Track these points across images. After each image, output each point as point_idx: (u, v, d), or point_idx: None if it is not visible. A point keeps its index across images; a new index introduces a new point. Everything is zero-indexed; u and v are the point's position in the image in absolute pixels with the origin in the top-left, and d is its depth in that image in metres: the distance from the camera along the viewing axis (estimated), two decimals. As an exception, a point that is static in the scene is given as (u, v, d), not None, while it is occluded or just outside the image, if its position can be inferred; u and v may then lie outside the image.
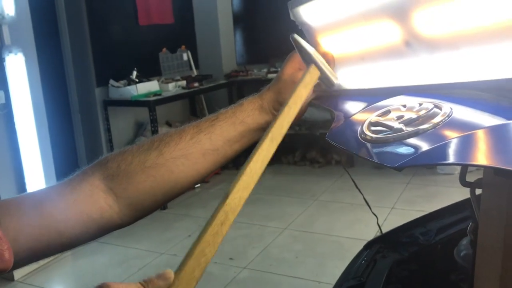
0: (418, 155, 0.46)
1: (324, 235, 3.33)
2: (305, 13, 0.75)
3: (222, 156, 0.77)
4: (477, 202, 0.59)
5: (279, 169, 4.82)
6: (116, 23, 4.20)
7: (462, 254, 1.08)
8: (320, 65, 0.71)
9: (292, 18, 0.80)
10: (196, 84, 4.42)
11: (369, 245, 1.40)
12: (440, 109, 0.52)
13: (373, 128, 0.54)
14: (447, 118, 0.50)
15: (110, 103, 4.09)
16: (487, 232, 0.58)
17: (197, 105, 5.11)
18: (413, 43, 0.61)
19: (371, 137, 0.52)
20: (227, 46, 5.20)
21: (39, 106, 3.20)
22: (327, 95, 0.81)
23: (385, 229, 1.40)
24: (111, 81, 4.05)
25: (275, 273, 2.89)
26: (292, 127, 0.77)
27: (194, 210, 3.86)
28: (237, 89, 5.05)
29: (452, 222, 1.36)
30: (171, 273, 0.49)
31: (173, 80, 4.45)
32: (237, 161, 4.98)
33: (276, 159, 4.92)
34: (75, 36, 3.92)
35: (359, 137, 0.54)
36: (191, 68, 4.88)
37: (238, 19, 5.26)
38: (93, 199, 0.69)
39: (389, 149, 0.49)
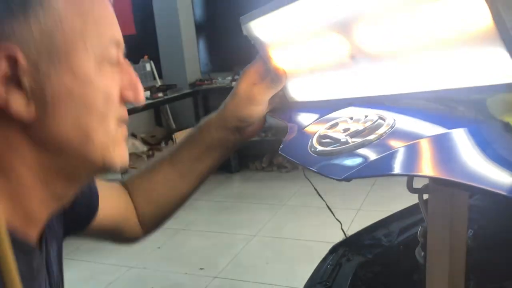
0: (362, 167, 0.48)
1: (293, 240, 3.36)
2: (256, 29, 0.77)
3: (197, 173, 0.83)
4: (426, 207, 0.62)
5: (246, 176, 4.84)
6: (76, 35, 4.13)
7: (423, 253, 1.12)
8: None
9: (244, 33, 0.82)
10: (160, 94, 4.40)
11: (334, 249, 1.43)
12: (384, 120, 0.54)
13: (322, 140, 0.56)
14: (390, 129, 0.53)
15: (72, 116, 4.01)
16: (435, 235, 0.61)
17: (162, 115, 5.08)
18: (358, 57, 0.64)
19: (320, 150, 0.54)
20: (191, 55, 5.19)
21: None
22: (282, 107, 0.83)
23: (353, 230, 1.43)
24: (73, 94, 3.98)
25: (247, 281, 2.89)
26: (258, 133, 0.81)
27: (162, 221, 3.81)
28: (202, 98, 5.05)
29: (413, 222, 1.40)
30: None
31: (137, 91, 4.41)
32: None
33: (244, 166, 4.94)
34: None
35: (309, 150, 0.56)
36: (154, 78, 4.85)
37: (201, 28, 5.27)
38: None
39: (335, 161, 0.51)
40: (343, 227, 1.51)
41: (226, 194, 4.43)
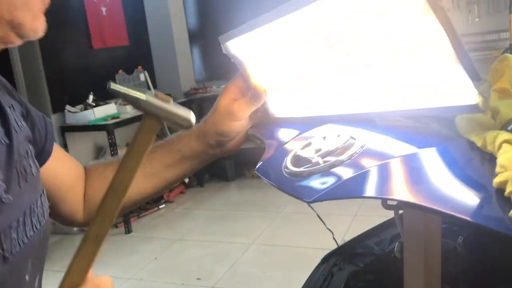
0: (330, 189, 0.48)
1: (290, 248, 3.35)
2: (234, 48, 0.78)
3: (163, 179, 0.84)
4: (402, 223, 0.63)
5: (242, 183, 4.84)
6: (69, 48, 4.15)
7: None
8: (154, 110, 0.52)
9: (224, 51, 0.83)
10: (155, 104, 4.40)
11: (326, 259, 1.43)
12: (355, 140, 0.55)
13: (295, 161, 0.57)
14: (360, 149, 0.53)
15: (67, 129, 4.02)
16: (411, 250, 0.61)
17: (158, 124, 5.07)
18: (334, 76, 0.65)
19: (292, 171, 0.55)
20: (185, 64, 5.21)
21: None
22: (263, 123, 0.84)
23: (350, 237, 1.42)
24: (67, 107, 3.99)
25: (243, 290, 2.89)
26: (252, 140, 0.81)
27: (159, 232, 3.82)
28: (197, 106, 5.05)
29: (404, 229, 1.40)
30: None
31: (131, 101, 4.41)
32: (201, 179, 4.98)
33: (240, 174, 4.93)
34: (27, 62, 3.85)
35: (282, 171, 0.56)
36: (149, 88, 4.85)
37: (194, 37, 5.28)
38: None
39: (306, 183, 0.52)
40: (340, 234, 1.51)
41: (223, 202, 4.42)
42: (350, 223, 3.47)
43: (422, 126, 0.60)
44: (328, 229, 1.52)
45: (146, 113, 0.50)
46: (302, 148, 0.59)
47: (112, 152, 3.89)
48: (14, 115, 0.65)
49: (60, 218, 0.80)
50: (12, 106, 0.67)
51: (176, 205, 4.44)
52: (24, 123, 0.68)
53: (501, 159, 0.41)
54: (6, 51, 3.81)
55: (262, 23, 0.69)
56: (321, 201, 0.48)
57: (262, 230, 3.68)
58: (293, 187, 0.54)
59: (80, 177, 0.82)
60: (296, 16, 0.63)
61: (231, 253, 3.37)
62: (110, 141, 3.89)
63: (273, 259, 3.24)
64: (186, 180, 4.69)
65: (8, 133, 0.61)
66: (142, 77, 4.79)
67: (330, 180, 0.50)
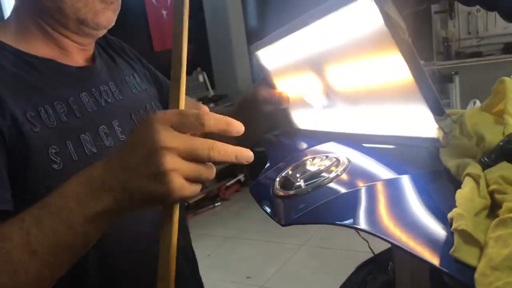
0: (304, 213, 0.50)
1: (341, 251, 3.32)
2: (263, 58, 0.82)
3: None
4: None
5: (299, 184, 4.83)
6: (131, 51, 4.33)
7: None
8: None
9: (254, 61, 0.87)
10: (211, 105, 4.50)
11: (361, 267, 1.42)
12: (339, 162, 0.56)
13: (283, 182, 0.59)
14: (342, 172, 0.54)
15: (129, 128, 4.21)
16: (401, 269, 0.61)
17: (216, 124, 5.18)
18: (331, 95, 0.66)
19: (279, 193, 0.57)
20: (242, 64, 5.28)
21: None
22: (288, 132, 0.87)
23: None
24: (129, 107, 4.18)
25: (291, 291, 2.91)
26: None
27: (214, 229, 3.91)
28: (254, 106, 5.11)
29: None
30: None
31: (190, 101, 4.55)
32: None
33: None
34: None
35: (271, 192, 0.58)
36: (207, 89, 4.97)
37: (252, 37, 5.34)
38: None
39: (286, 205, 0.54)
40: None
41: (277, 202, 4.45)
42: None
43: (415, 151, 0.59)
44: (364, 238, 1.51)
45: None
46: (292, 169, 0.60)
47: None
48: (134, 82, 0.86)
49: None
50: (134, 75, 0.88)
51: (232, 203, 4.52)
52: (147, 87, 0.89)
53: (457, 194, 0.40)
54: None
55: (283, 34, 0.72)
56: (295, 224, 0.49)
57: (313, 231, 3.67)
58: (277, 208, 0.55)
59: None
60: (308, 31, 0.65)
61: (282, 253, 3.39)
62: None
63: (324, 261, 3.22)
64: (242, 179, 4.77)
65: (121, 92, 0.80)
66: (201, 78, 4.92)
67: (307, 204, 0.52)
